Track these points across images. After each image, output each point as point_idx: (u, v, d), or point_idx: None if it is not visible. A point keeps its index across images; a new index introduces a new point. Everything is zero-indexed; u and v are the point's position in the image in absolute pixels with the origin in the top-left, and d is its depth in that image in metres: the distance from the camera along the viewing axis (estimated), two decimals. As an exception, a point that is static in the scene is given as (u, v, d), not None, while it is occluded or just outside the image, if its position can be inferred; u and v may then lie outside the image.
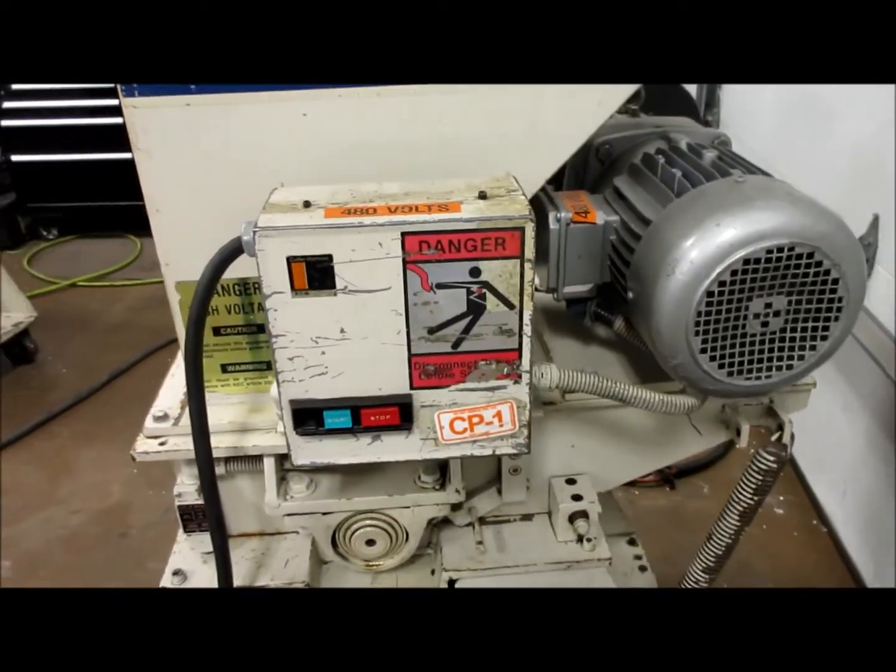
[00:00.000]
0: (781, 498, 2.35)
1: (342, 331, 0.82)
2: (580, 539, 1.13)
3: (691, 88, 3.31)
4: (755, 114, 2.87)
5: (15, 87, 2.97)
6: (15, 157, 4.35)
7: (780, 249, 0.83)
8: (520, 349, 0.83)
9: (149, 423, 1.08)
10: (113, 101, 4.03)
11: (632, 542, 1.46)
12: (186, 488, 1.10)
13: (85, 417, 2.94)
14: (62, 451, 2.75)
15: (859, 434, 2.09)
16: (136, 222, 4.37)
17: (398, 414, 0.85)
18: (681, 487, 2.42)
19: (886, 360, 1.84)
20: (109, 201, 4.38)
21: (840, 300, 0.87)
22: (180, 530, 1.16)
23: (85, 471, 2.64)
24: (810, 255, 0.84)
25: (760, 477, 1.08)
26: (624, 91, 0.94)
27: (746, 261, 0.83)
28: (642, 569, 1.41)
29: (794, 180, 0.90)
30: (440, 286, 0.79)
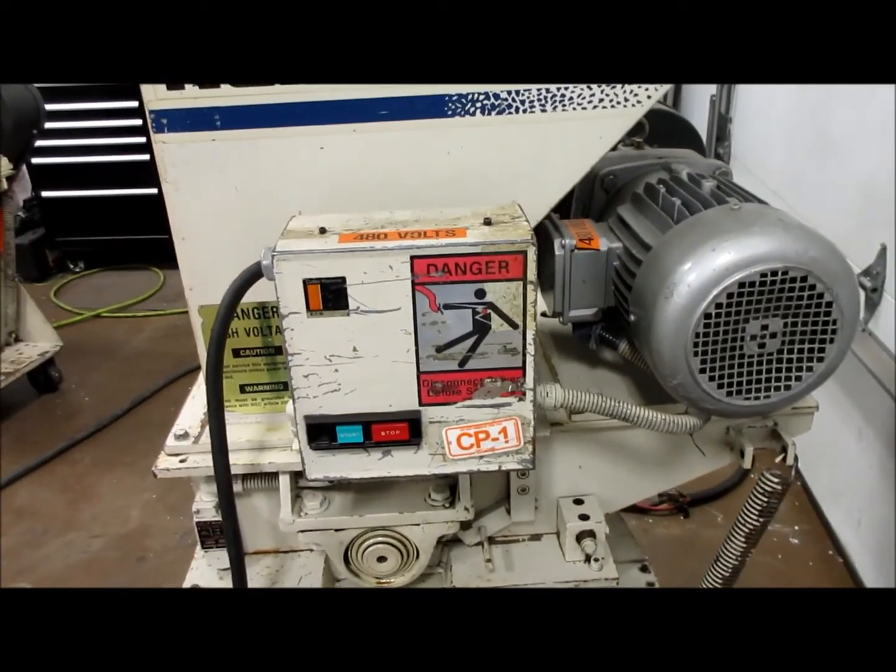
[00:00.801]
0: (797, 528, 2.34)
1: (354, 349, 0.86)
2: (588, 559, 1.15)
3: (702, 123, 3.37)
4: (765, 147, 2.92)
5: (46, 126, 3.10)
6: (44, 194, 4.50)
7: (774, 273, 0.86)
8: (524, 367, 0.87)
9: (170, 441, 1.12)
10: (138, 139, 4.18)
11: (644, 569, 1.46)
12: (205, 505, 1.14)
13: (106, 444, 2.99)
14: (83, 477, 2.80)
15: (874, 464, 2.08)
16: (159, 255, 4.50)
17: (407, 429, 0.89)
18: (695, 516, 2.41)
19: (897, 389, 1.84)
20: (134, 235, 4.51)
21: (834, 322, 0.90)
22: (198, 547, 1.20)
23: (105, 496, 2.68)
24: (804, 279, 0.87)
25: (765, 499, 1.10)
26: (623, 124, 0.99)
27: (741, 284, 0.86)
28: (654, 595, 1.41)
29: (804, 212, 0.93)
30: (447, 307, 0.84)
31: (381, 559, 1.14)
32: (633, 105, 0.97)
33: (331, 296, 0.83)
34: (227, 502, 1.02)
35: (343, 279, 0.83)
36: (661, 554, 2.20)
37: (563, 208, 1.22)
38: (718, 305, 0.87)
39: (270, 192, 1.00)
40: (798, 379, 0.94)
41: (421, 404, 0.89)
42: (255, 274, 0.90)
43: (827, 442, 2.28)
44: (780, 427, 1.15)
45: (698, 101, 3.65)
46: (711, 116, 3.36)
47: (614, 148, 1.31)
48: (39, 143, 3.21)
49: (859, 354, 1.97)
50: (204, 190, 1.00)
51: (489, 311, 0.84)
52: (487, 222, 0.86)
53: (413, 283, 0.83)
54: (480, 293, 0.83)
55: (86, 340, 3.87)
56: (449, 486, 1.12)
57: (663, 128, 1.44)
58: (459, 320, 0.85)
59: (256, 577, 1.19)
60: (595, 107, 0.97)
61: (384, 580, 1.17)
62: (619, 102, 0.97)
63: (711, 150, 3.26)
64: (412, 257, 0.82)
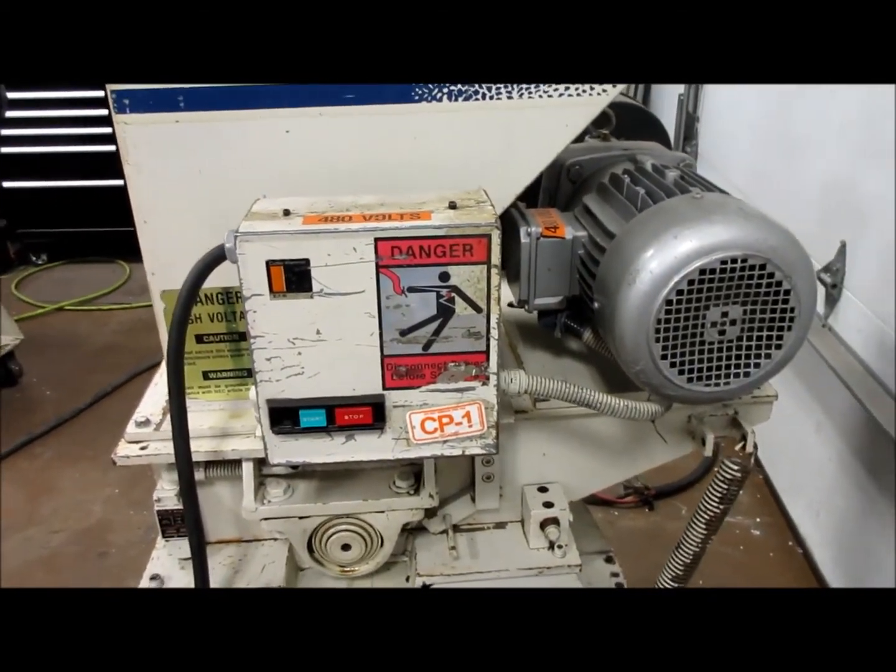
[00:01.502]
0: (758, 520, 2.38)
1: (318, 332, 0.86)
2: (551, 546, 1.16)
3: (670, 122, 3.41)
4: (732, 146, 2.97)
5: (8, 114, 3.03)
6: (6, 184, 4.40)
7: (734, 261, 0.88)
8: (487, 352, 0.88)
9: (130, 428, 1.11)
10: (103, 130, 4.10)
11: (609, 560, 1.48)
12: (166, 493, 1.13)
13: (68, 439, 2.94)
14: (44, 471, 2.75)
15: (832, 457, 2.13)
16: (125, 248, 4.42)
17: (371, 414, 0.89)
18: (659, 509, 2.44)
19: (855, 384, 1.89)
20: (99, 227, 4.42)
21: (792, 310, 0.92)
22: (159, 537, 1.18)
23: (66, 491, 2.64)
24: (762, 267, 0.89)
25: (725, 486, 1.11)
26: (589, 112, 0.99)
27: (702, 271, 0.88)
28: (619, 586, 1.43)
29: (769, 209, 0.95)
30: (411, 290, 0.84)
31: (346, 547, 1.13)
32: (599, 94, 0.98)
33: (294, 278, 0.83)
34: (187, 487, 1.00)
35: (307, 261, 0.82)
36: (626, 546, 2.22)
37: (531, 198, 1.23)
38: (680, 292, 0.89)
39: (235, 175, 0.99)
40: (757, 366, 0.95)
41: (385, 388, 0.89)
42: (218, 257, 0.89)
43: (787, 435, 2.33)
44: (740, 416, 1.17)
45: (667, 100, 3.70)
46: (679, 115, 3.40)
47: (581, 140, 1.33)
48: (1, 132, 3.14)
49: (819, 349, 2.01)
50: (167, 172, 0.99)
51: (453, 294, 0.84)
52: (453, 206, 0.86)
53: (377, 266, 0.83)
54: (445, 276, 0.83)
55: (48, 334, 3.80)
56: (414, 473, 1.12)
57: (630, 121, 1.45)
58: (423, 304, 0.85)
59: (219, 566, 1.17)
60: (561, 95, 0.97)
61: (348, 568, 1.17)
62: (584, 91, 0.97)
63: (679, 149, 3.30)
64: (376, 239, 0.81)
